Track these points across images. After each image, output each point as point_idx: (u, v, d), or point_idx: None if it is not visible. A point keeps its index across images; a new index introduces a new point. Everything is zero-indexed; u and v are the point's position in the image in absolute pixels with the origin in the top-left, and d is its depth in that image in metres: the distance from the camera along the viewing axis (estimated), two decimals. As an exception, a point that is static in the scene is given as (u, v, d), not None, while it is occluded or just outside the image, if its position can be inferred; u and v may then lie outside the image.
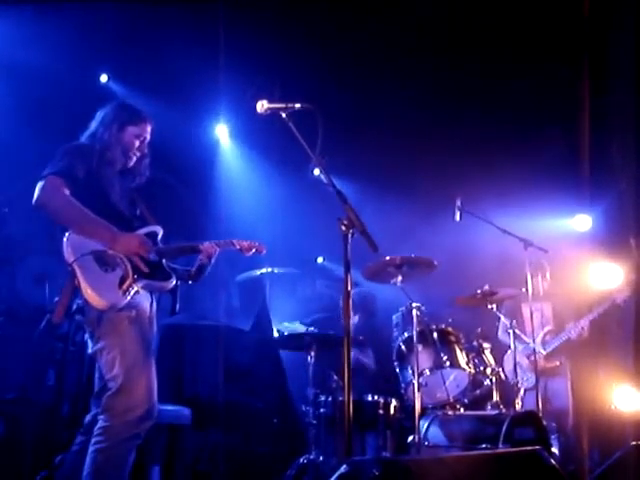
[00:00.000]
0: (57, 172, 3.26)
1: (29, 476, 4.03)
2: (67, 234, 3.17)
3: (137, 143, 3.57)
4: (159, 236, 3.50)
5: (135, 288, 3.17)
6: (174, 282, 3.40)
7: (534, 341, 5.25)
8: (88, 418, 3.31)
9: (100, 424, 3.10)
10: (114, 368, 3.12)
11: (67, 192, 3.23)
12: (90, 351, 3.26)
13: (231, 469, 5.04)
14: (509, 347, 5.55)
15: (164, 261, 3.42)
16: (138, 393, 3.11)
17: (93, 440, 3.08)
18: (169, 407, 4.46)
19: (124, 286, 3.14)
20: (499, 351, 5.31)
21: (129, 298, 3.15)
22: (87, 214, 3.21)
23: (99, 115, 3.59)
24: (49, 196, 3.22)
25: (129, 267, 3.19)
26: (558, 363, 5.53)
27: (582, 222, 6.75)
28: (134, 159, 3.58)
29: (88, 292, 3.06)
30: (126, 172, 3.58)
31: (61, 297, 3.16)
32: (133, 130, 3.55)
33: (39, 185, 3.24)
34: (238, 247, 3.78)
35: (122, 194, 3.48)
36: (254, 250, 3.85)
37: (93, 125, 3.57)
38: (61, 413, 4.68)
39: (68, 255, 3.13)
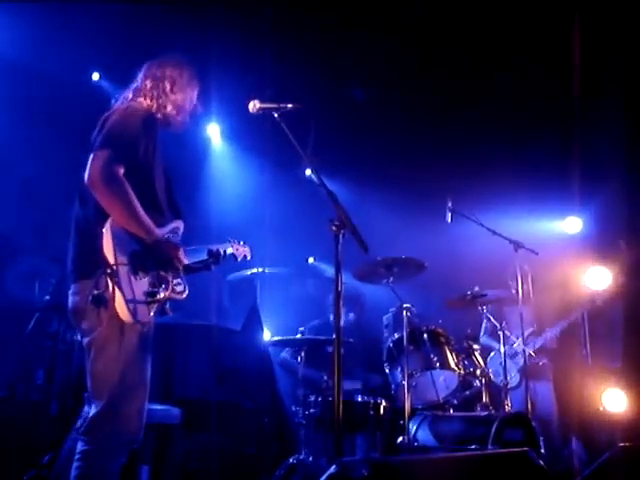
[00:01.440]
0: (113, 146, 2.85)
1: (17, 475, 4.01)
2: (108, 225, 2.78)
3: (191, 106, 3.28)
4: (180, 232, 3.16)
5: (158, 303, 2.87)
6: (187, 293, 3.07)
7: (525, 342, 5.28)
8: (83, 416, 3.06)
9: (80, 448, 2.76)
10: (104, 384, 2.80)
11: (122, 171, 2.82)
12: (84, 344, 2.90)
13: (221, 469, 5.03)
14: (491, 350, 5.63)
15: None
16: (128, 417, 2.80)
17: (75, 464, 2.75)
18: (158, 407, 4.44)
19: (155, 302, 2.83)
20: (483, 354, 5.34)
21: (153, 312, 2.85)
22: (136, 208, 2.82)
23: (158, 65, 3.22)
24: (101, 177, 2.79)
25: (170, 280, 2.89)
26: (540, 363, 5.58)
27: (573, 224, 6.79)
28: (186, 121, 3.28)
29: (119, 302, 2.72)
30: None
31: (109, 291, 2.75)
32: (192, 93, 3.28)
33: (90, 160, 2.84)
34: (234, 251, 3.67)
35: (161, 173, 3.12)
36: (243, 255, 3.79)
37: (147, 76, 3.20)
38: (50, 412, 4.66)
39: (108, 252, 2.74)
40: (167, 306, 3.07)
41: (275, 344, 5.44)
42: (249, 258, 3.87)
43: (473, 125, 6.57)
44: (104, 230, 2.77)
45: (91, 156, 2.85)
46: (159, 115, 3.14)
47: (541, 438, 4.50)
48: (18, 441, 4.35)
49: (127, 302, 2.73)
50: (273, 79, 5.64)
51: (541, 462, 2.87)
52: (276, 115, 3.15)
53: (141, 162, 2.94)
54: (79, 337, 3.02)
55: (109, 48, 5.99)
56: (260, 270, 5.83)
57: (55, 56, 5.62)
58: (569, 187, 6.31)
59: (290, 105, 3.15)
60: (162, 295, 2.86)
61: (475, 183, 6.13)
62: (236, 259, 3.76)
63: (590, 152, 6.14)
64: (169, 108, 3.16)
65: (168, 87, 3.18)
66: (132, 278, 2.79)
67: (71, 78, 5.88)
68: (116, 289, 2.71)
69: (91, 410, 2.83)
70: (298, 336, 5.05)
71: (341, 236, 2.97)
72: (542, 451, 4.45)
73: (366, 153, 6.89)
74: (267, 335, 5.90)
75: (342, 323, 5.62)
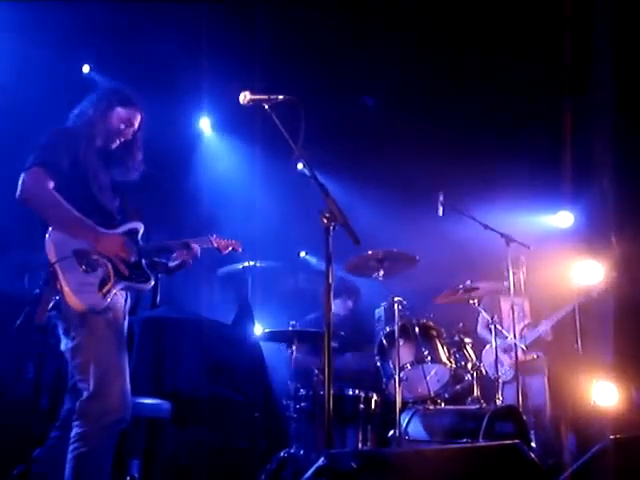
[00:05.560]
0: (41, 163, 3.15)
1: (6, 470, 3.99)
2: (49, 231, 3.10)
3: (122, 127, 3.44)
4: (140, 233, 3.42)
5: (114, 291, 3.14)
6: (152, 284, 3.37)
7: (515, 336, 5.28)
8: (63, 413, 3.27)
9: (76, 430, 3.04)
10: (87, 371, 3.07)
11: (51, 185, 3.14)
12: (63, 348, 3.19)
13: (211, 463, 5.01)
14: (487, 342, 5.62)
15: (144, 261, 3.36)
16: (113, 397, 3.06)
17: (71, 447, 3.02)
18: (149, 401, 4.42)
19: (104, 289, 3.10)
20: (478, 346, 5.34)
21: (108, 301, 3.11)
22: (71, 213, 3.13)
23: (89, 96, 3.49)
24: (32, 191, 3.12)
25: (111, 270, 3.15)
26: (535, 356, 5.59)
27: (564, 219, 6.82)
28: (116, 143, 3.46)
29: (67, 293, 3.02)
30: (115, 163, 3.47)
31: (42, 298, 3.10)
32: (121, 112, 3.43)
33: (22, 177, 3.14)
34: (215, 245, 3.76)
35: (105, 184, 3.37)
36: (230, 248, 3.84)
37: (79, 106, 3.48)
38: (40, 407, 4.63)
39: (50, 254, 3.07)
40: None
41: (266, 337, 5.42)
42: (239, 250, 3.94)
43: (466, 120, 6.57)
44: (46, 236, 3.10)
45: (22, 174, 3.14)
46: (86, 136, 3.36)
47: (532, 431, 4.51)
48: (7, 435, 4.33)
49: (75, 292, 3.02)
50: (264, 71, 5.62)
51: (532, 455, 2.88)
52: (267, 106, 3.14)
53: (70, 174, 3.20)
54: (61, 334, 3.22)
55: (100, 40, 5.95)
56: (251, 264, 5.82)
57: (45, 47, 5.58)
58: (561, 182, 6.33)
59: (281, 97, 3.14)
60: (109, 284, 3.12)
61: (467, 177, 6.13)
62: (220, 252, 3.82)
63: (581, 148, 6.16)
64: (90, 131, 3.39)
65: (90, 113, 3.43)
66: (80, 272, 3.08)
67: (62, 70, 5.84)
68: (62, 282, 3.02)
69: (82, 396, 3.07)
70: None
71: (332, 228, 2.96)
72: (533, 444, 4.45)
73: (358, 146, 6.88)
74: (258, 329, 5.88)
75: (340, 312, 5.71)
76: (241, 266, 5.83)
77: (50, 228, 3.11)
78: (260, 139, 5.79)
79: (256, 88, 3.20)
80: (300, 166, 3.25)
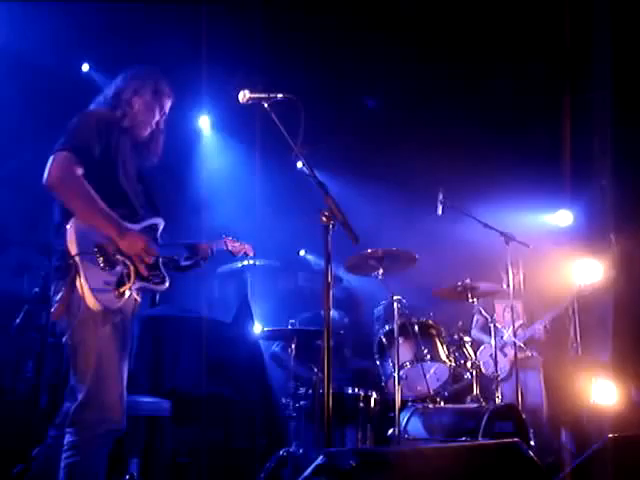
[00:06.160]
0: (71, 148, 2.96)
1: (6, 469, 3.98)
2: (72, 220, 2.92)
3: (157, 117, 3.35)
4: (160, 229, 3.29)
5: (129, 292, 2.99)
6: (167, 285, 3.23)
7: (514, 334, 5.29)
8: (62, 412, 3.16)
9: (68, 438, 2.90)
10: (85, 371, 2.93)
11: (80, 171, 2.96)
12: (64, 340, 3.04)
13: (211, 462, 5.02)
14: (482, 344, 5.64)
15: (160, 260, 3.23)
16: (109, 404, 2.92)
17: (64, 455, 2.90)
18: (148, 399, 4.43)
19: (121, 289, 2.95)
20: (473, 347, 5.34)
21: (123, 301, 2.96)
22: (98, 203, 2.95)
23: (126, 76, 3.32)
24: (60, 176, 2.93)
25: (132, 270, 3.00)
26: (530, 354, 5.60)
27: (564, 217, 6.82)
28: (148, 131, 3.34)
29: (85, 290, 2.86)
30: (140, 148, 3.34)
31: (62, 292, 2.92)
32: (160, 102, 3.35)
33: (50, 160, 2.95)
34: (229, 248, 3.74)
35: (132, 174, 3.22)
36: (243, 252, 3.84)
37: (115, 86, 3.30)
38: (39, 405, 4.63)
39: (71, 245, 2.88)
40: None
41: (265, 336, 5.43)
42: (252, 254, 3.95)
43: (466, 119, 6.57)
44: (68, 227, 2.91)
45: (51, 158, 2.97)
46: (120, 121, 3.23)
47: (531, 430, 4.51)
48: (6, 434, 4.33)
49: (92, 290, 2.86)
50: (264, 70, 5.62)
51: (531, 453, 2.88)
52: (266, 105, 3.13)
53: (100, 162, 3.05)
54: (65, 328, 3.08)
55: (99, 39, 5.95)
56: (250, 262, 5.81)
57: (46, 46, 5.58)
58: (560, 181, 6.33)
59: (280, 95, 3.13)
60: (128, 285, 2.97)
61: (467, 176, 6.13)
62: (233, 256, 3.82)
63: (581, 147, 6.16)
64: (127, 118, 3.25)
65: (128, 97, 3.27)
66: (99, 268, 2.92)
67: (61, 69, 5.84)
68: (80, 278, 2.86)
69: (76, 398, 2.95)
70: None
71: (331, 227, 2.96)
72: (532, 442, 4.46)
73: (358, 144, 6.88)
74: (258, 328, 5.88)
75: (336, 317, 5.72)
76: (240, 264, 5.82)
77: (73, 217, 2.93)
78: (259, 138, 5.79)
79: (256, 87, 3.20)
80: (299, 165, 3.25)
